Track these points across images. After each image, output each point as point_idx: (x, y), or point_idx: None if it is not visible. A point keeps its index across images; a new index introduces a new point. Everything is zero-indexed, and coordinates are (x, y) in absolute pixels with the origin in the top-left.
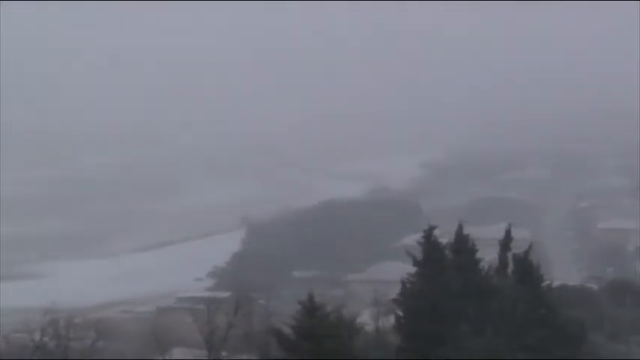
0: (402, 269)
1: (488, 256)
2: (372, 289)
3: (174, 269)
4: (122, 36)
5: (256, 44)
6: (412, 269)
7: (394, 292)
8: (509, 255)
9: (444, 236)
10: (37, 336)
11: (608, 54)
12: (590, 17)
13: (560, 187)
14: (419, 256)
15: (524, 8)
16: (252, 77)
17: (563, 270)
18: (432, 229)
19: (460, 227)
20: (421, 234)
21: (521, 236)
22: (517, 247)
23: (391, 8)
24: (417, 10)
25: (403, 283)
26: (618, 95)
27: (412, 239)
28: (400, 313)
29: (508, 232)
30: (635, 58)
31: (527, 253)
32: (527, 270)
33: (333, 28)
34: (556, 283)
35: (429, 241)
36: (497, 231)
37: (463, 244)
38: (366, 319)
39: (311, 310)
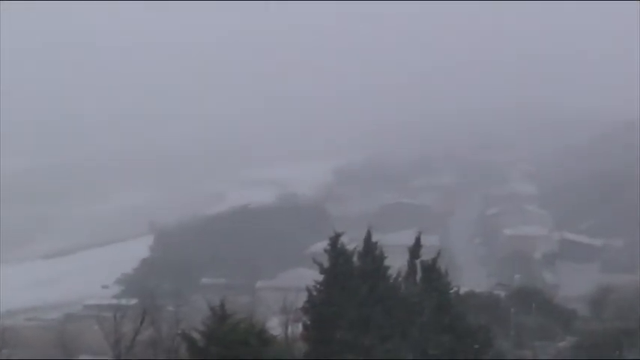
0: (310, 276)
1: (396, 262)
2: (281, 297)
3: (82, 276)
4: (37, 34)
5: (167, 45)
6: (320, 276)
7: (303, 299)
8: (418, 262)
9: (353, 243)
10: None
11: (520, 58)
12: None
13: (468, 193)
14: (326, 263)
15: (448, 8)
16: (167, 81)
17: (470, 277)
18: (338, 235)
19: (369, 234)
20: (329, 241)
21: (430, 243)
22: (426, 254)
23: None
24: (320, 9)
25: (309, 290)
26: (527, 102)
27: (320, 246)
28: (307, 321)
29: (418, 239)
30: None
31: (435, 260)
32: (434, 277)
33: (235, 29)
34: (463, 290)
35: (335, 248)
36: (406, 237)
37: (371, 251)
38: (274, 326)
39: (222, 316)
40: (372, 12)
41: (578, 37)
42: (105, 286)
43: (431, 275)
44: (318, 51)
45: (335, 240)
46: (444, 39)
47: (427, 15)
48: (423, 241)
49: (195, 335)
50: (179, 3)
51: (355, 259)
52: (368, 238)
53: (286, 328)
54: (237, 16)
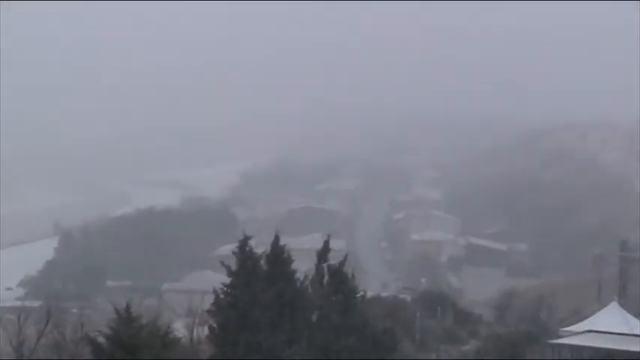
0: (217, 279)
1: (304, 266)
2: (187, 299)
3: None
4: None
5: (75, 44)
6: (227, 279)
7: (209, 302)
8: (325, 266)
9: (261, 246)
10: None
11: (427, 63)
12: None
13: (375, 198)
14: (233, 266)
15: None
16: (73, 81)
17: (377, 280)
18: (246, 239)
19: (276, 237)
20: (236, 244)
21: (337, 247)
22: (333, 258)
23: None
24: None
25: (216, 293)
26: (432, 107)
27: (227, 249)
28: (214, 324)
29: (326, 243)
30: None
31: (342, 263)
32: (341, 281)
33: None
34: (370, 294)
35: (243, 251)
36: (314, 241)
37: (279, 255)
38: (180, 329)
39: (127, 319)
40: (270, 13)
41: (488, 43)
42: (8, 288)
43: (338, 279)
44: (223, 53)
45: (243, 243)
46: (350, 43)
47: (333, 18)
48: (330, 245)
49: (100, 338)
50: None
51: (263, 262)
52: (275, 242)
53: (192, 330)
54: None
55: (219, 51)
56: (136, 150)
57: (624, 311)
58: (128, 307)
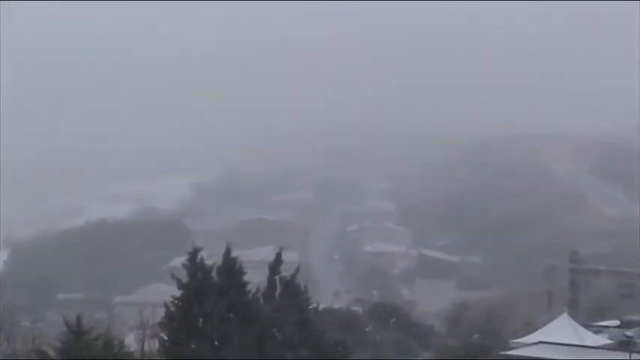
0: (168, 292)
1: (256, 278)
2: (138, 312)
3: None
4: None
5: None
6: (178, 292)
7: (160, 314)
8: (277, 278)
9: (212, 258)
10: None
11: (379, 76)
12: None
13: (327, 209)
14: (184, 278)
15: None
16: (20, 91)
17: (329, 292)
18: (196, 251)
19: (228, 249)
20: (187, 256)
21: (289, 259)
22: (285, 270)
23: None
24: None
25: (167, 306)
26: (384, 118)
27: (179, 261)
28: (165, 337)
29: (278, 255)
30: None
31: (294, 275)
32: (293, 293)
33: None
34: (322, 306)
35: (194, 263)
36: (266, 253)
37: (230, 267)
38: (131, 342)
39: (78, 332)
40: (220, 14)
41: (439, 55)
42: None
43: (290, 291)
44: (172, 65)
45: (193, 255)
46: (301, 56)
47: (281, 23)
48: (283, 257)
49: (51, 352)
50: None
51: (214, 274)
52: (227, 254)
53: (143, 343)
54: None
55: (170, 61)
56: (87, 162)
57: (574, 322)
58: (79, 320)
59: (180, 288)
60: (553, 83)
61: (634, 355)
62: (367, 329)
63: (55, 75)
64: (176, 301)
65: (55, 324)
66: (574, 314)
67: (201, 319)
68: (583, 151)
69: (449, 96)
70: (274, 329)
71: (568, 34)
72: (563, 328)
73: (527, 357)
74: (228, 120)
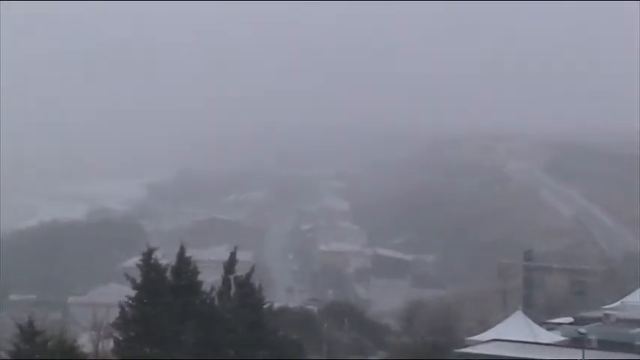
0: (123, 292)
1: (210, 278)
2: (92, 313)
3: None
4: None
5: None
6: (132, 292)
7: (115, 315)
8: (232, 277)
9: (166, 258)
10: None
11: (332, 74)
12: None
13: (282, 209)
14: (139, 278)
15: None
16: None
17: (284, 292)
18: (151, 251)
19: (182, 249)
20: (142, 256)
21: (244, 258)
22: (240, 270)
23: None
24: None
25: (121, 306)
26: (338, 117)
27: (133, 262)
28: (119, 337)
29: (233, 255)
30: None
31: (248, 275)
32: (248, 293)
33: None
34: (277, 305)
35: (148, 263)
36: (220, 253)
37: (184, 267)
38: (85, 343)
39: (31, 334)
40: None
41: (394, 55)
42: None
43: (245, 291)
44: (125, 65)
45: (148, 255)
46: (254, 54)
47: (233, 25)
48: (237, 256)
49: (2, 354)
50: None
51: (168, 274)
52: (181, 254)
53: (97, 344)
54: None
55: (121, 61)
56: (40, 163)
57: (529, 320)
58: (31, 322)
59: (134, 288)
60: (508, 82)
61: (587, 352)
62: (322, 328)
63: (7, 74)
64: (130, 302)
65: (7, 326)
66: (528, 312)
67: (155, 320)
68: (537, 149)
69: (403, 94)
70: (229, 329)
71: (526, 32)
72: (517, 326)
73: (482, 354)
74: (182, 121)
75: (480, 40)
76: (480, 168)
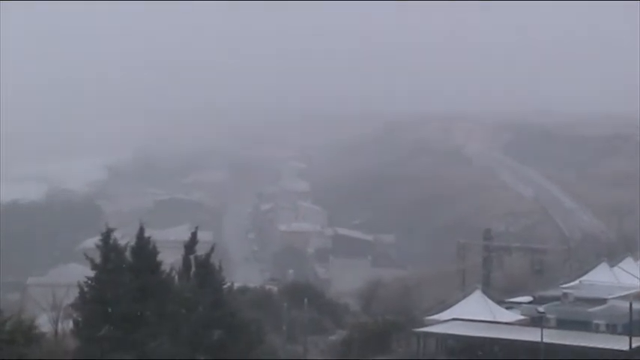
0: (82, 273)
1: (171, 258)
2: (51, 293)
3: None
4: None
5: None
6: (92, 272)
7: (74, 295)
8: (192, 257)
9: (127, 239)
10: None
11: (294, 54)
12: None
13: (242, 189)
14: (98, 259)
15: None
16: None
17: (244, 272)
18: (110, 231)
19: (141, 229)
20: (101, 237)
21: (204, 239)
22: (200, 250)
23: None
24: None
25: (81, 286)
26: (303, 99)
27: (92, 242)
28: (78, 318)
29: (194, 235)
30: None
31: (208, 255)
32: (208, 272)
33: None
34: (237, 285)
35: (107, 243)
36: (180, 233)
37: (144, 247)
38: (44, 323)
39: None
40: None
41: (353, 37)
42: None
43: (204, 271)
44: (86, 46)
45: (107, 235)
46: (217, 36)
47: (194, 13)
48: (197, 236)
49: None
50: None
51: (128, 254)
52: (140, 234)
53: (56, 325)
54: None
55: (81, 44)
56: None
57: (488, 299)
58: None
59: (93, 269)
60: (467, 64)
61: (546, 331)
62: (282, 308)
63: None
64: (90, 282)
65: None
66: (487, 291)
67: (114, 300)
68: (496, 131)
69: (362, 75)
70: (189, 309)
71: (487, 14)
72: (476, 305)
73: (441, 333)
74: (142, 102)
75: (438, 21)
76: (440, 149)
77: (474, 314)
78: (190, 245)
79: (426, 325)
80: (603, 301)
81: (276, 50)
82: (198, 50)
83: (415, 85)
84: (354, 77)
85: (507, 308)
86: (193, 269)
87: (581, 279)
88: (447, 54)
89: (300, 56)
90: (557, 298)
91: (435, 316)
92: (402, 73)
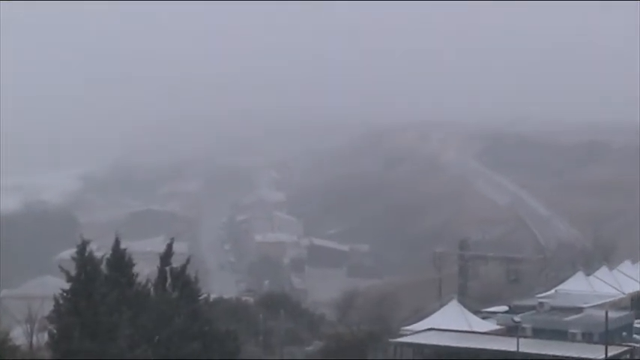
0: (57, 285)
1: (147, 269)
2: (26, 306)
3: None
4: None
5: None
6: (67, 284)
7: (49, 308)
8: (168, 269)
9: (102, 250)
10: None
11: (269, 64)
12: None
13: (217, 200)
14: (73, 271)
15: None
16: None
17: (220, 283)
18: (85, 243)
19: (117, 241)
20: (76, 248)
21: (180, 249)
22: (176, 261)
23: None
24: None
25: (56, 299)
26: (279, 108)
27: (68, 254)
28: (54, 330)
29: (169, 246)
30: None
31: (184, 267)
32: (184, 284)
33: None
34: (213, 296)
35: (83, 255)
36: (156, 244)
37: (120, 258)
38: (19, 336)
39: None
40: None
41: (328, 43)
42: None
43: (180, 282)
44: (56, 55)
45: (82, 247)
46: (192, 44)
47: (166, 22)
48: (173, 247)
49: None
50: None
51: (103, 266)
52: (116, 245)
53: (31, 337)
54: None
55: (55, 56)
56: None
57: (464, 309)
58: None
59: (69, 281)
60: (443, 72)
61: (521, 340)
62: (258, 319)
63: None
64: (65, 294)
65: None
66: (463, 300)
67: (90, 312)
68: (471, 139)
69: (338, 86)
70: (165, 321)
71: (461, 24)
72: (452, 315)
73: (418, 343)
74: (118, 113)
75: (414, 31)
76: (415, 158)
77: (450, 324)
78: (166, 256)
79: (403, 335)
80: (579, 310)
81: (251, 60)
82: (174, 62)
83: (391, 94)
84: (330, 87)
85: (483, 318)
86: (169, 281)
87: (557, 288)
88: (423, 63)
89: (275, 66)
90: (533, 308)
91: (412, 326)
92: (378, 83)
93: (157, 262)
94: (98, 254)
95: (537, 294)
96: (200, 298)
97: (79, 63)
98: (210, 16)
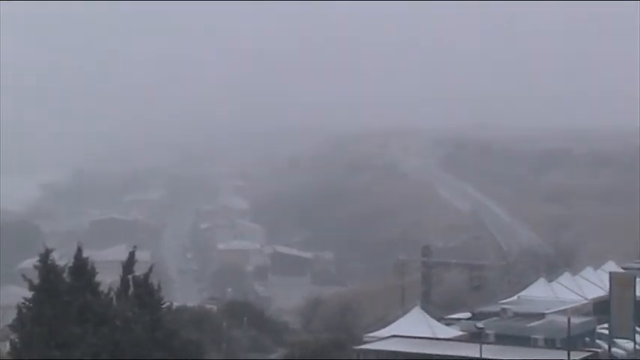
0: (20, 294)
1: (109, 278)
2: None
3: None
4: None
5: None
6: (30, 293)
7: (12, 317)
8: (130, 277)
9: (65, 259)
10: None
11: (234, 68)
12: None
13: (180, 208)
14: (36, 280)
15: None
16: None
17: (183, 291)
18: (48, 252)
19: (79, 249)
20: (38, 257)
21: (142, 258)
22: (138, 269)
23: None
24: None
25: (19, 308)
26: (242, 116)
27: (30, 263)
28: (16, 340)
29: (132, 255)
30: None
31: (147, 275)
32: (147, 292)
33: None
34: (176, 305)
35: (45, 264)
36: (119, 252)
37: (82, 267)
38: None
39: None
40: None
41: (279, 55)
42: None
43: (143, 291)
44: (18, 59)
45: (45, 256)
46: (155, 55)
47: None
48: (136, 256)
49: None
50: None
51: (66, 275)
52: (78, 254)
53: None
54: None
55: (14, 56)
56: None
57: (427, 315)
58: None
59: (31, 290)
60: (405, 78)
61: (485, 346)
62: (221, 327)
63: None
64: (27, 303)
65: None
66: (426, 307)
67: (53, 321)
68: (431, 145)
69: (300, 92)
70: (127, 330)
71: (427, 29)
72: (415, 322)
73: (381, 350)
74: (79, 121)
75: (375, 36)
76: (376, 165)
77: (413, 331)
78: (128, 265)
79: (366, 342)
80: (541, 315)
81: (214, 67)
82: (134, 70)
83: (353, 100)
84: (292, 93)
85: (447, 324)
86: (132, 289)
87: (520, 294)
88: (385, 68)
89: (237, 73)
90: (496, 314)
91: (375, 333)
92: (339, 89)
93: (120, 271)
94: (61, 263)
95: (500, 300)
96: (163, 306)
97: (42, 71)
98: (168, 26)
